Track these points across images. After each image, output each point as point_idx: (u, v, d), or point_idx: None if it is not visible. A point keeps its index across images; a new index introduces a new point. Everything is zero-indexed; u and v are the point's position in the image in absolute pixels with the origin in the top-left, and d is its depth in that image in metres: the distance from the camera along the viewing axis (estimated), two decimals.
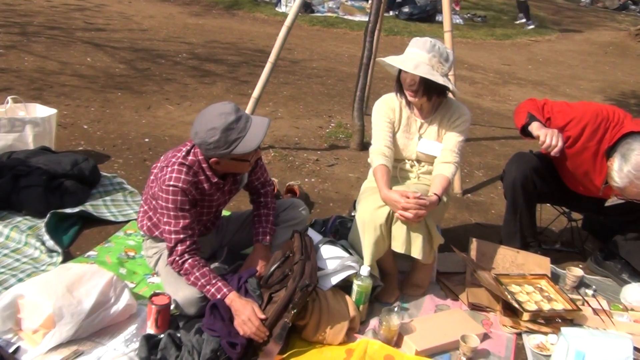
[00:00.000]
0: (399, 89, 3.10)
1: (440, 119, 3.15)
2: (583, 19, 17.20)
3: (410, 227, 2.87)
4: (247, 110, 4.62)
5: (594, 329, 2.97)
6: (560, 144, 3.07)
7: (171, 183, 2.58)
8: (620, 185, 3.07)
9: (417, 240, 2.88)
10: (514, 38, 13.39)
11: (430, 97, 3.02)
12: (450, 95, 3.17)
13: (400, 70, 3.02)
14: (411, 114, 3.16)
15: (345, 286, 2.89)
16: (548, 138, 3.07)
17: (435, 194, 2.93)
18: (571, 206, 3.76)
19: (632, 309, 3.24)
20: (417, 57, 2.93)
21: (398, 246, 2.90)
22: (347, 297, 2.86)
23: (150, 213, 2.82)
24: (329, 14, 12.94)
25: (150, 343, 2.46)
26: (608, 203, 3.41)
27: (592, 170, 3.28)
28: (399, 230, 2.89)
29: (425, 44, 2.95)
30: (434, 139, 3.15)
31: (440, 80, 2.91)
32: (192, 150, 2.67)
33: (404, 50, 3.01)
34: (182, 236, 2.61)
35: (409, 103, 3.12)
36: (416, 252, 2.90)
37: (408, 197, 2.78)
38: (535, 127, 3.17)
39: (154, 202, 2.71)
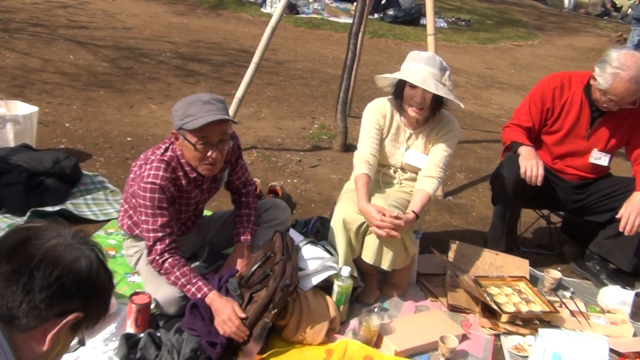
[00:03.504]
0: (397, 100, 3.08)
1: (429, 131, 3.15)
2: (566, 24, 17.39)
3: (383, 240, 2.88)
4: (230, 110, 4.61)
5: (571, 331, 3.01)
6: (540, 172, 3.18)
7: (149, 180, 2.57)
8: (606, 86, 3.20)
9: (389, 253, 2.90)
10: (497, 42, 13.48)
11: (434, 112, 3.04)
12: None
13: (404, 85, 2.98)
14: (401, 123, 3.16)
15: (326, 286, 2.91)
16: (528, 170, 3.21)
17: (413, 211, 2.94)
18: (554, 206, 3.79)
19: (608, 311, 3.28)
20: (432, 75, 2.91)
21: (368, 256, 2.92)
22: (327, 297, 2.88)
23: (131, 212, 2.81)
24: (314, 16, 12.95)
25: (129, 342, 2.45)
26: (591, 159, 3.50)
27: (577, 134, 3.49)
28: (371, 242, 2.90)
29: (435, 60, 2.95)
30: (421, 151, 3.15)
31: (457, 100, 2.95)
32: (171, 147, 2.67)
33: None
34: (160, 234, 2.61)
35: (401, 113, 3.12)
36: (386, 265, 2.92)
37: (384, 215, 2.78)
38: (520, 155, 3.31)
39: (133, 201, 2.70)
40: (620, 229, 3.23)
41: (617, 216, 3.26)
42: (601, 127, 3.46)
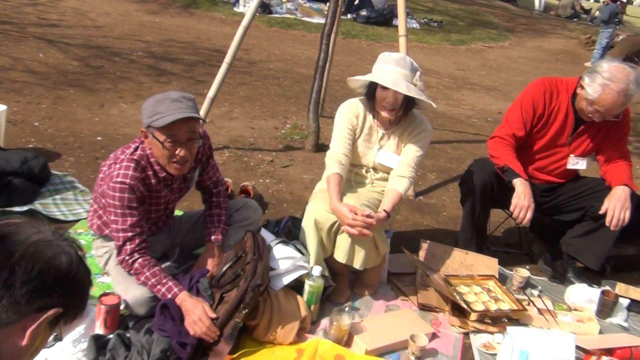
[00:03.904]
0: (369, 102, 3.10)
1: (401, 132, 3.17)
2: (536, 26, 17.60)
3: (355, 239, 2.89)
4: (202, 110, 4.60)
5: (538, 329, 3.05)
6: (528, 216, 3.22)
7: (119, 180, 2.55)
8: (594, 96, 3.21)
9: (360, 252, 2.92)
10: (468, 44, 13.61)
11: (406, 113, 3.07)
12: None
13: (375, 87, 3.00)
14: (374, 123, 3.17)
15: (297, 286, 2.91)
16: (517, 211, 3.23)
17: (384, 210, 2.96)
18: None
19: (575, 309, 3.33)
20: (403, 76, 2.93)
21: (340, 255, 2.93)
22: (298, 297, 2.88)
23: (100, 212, 2.79)
24: (287, 15, 12.94)
25: (98, 343, 2.43)
26: (569, 166, 3.54)
27: (559, 141, 3.50)
28: (343, 241, 2.91)
29: (405, 61, 2.97)
30: (393, 151, 3.17)
31: (429, 100, 2.97)
32: (141, 146, 2.66)
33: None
34: (130, 234, 2.59)
35: (374, 113, 3.14)
36: (358, 264, 2.94)
37: (356, 214, 2.80)
38: (515, 189, 3.29)
39: (103, 201, 2.67)
40: (607, 224, 3.28)
41: (601, 212, 3.30)
42: (582, 135, 3.49)
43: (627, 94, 3.17)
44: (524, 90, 3.53)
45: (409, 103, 3.02)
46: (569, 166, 3.54)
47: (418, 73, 2.99)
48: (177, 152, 2.56)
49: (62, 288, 1.31)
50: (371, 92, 3.06)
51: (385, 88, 2.93)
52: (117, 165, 2.59)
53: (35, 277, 1.25)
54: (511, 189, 3.32)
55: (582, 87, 3.29)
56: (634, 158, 3.77)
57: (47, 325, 1.32)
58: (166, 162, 2.60)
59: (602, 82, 3.18)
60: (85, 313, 2.60)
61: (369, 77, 3.01)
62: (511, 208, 3.25)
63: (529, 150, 3.55)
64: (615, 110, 3.26)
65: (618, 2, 14.05)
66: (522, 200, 3.22)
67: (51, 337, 1.40)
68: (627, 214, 3.27)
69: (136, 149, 2.65)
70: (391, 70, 2.95)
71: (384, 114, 3.02)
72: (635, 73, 3.20)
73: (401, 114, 3.07)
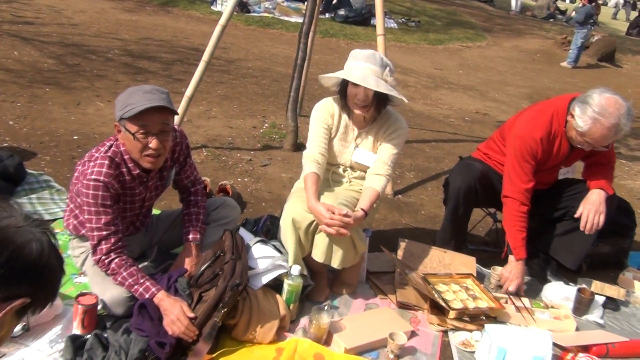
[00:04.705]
0: (342, 100, 3.10)
1: (377, 130, 3.17)
2: (513, 26, 17.76)
3: (333, 239, 2.89)
4: (180, 109, 4.57)
5: (516, 326, 3.08)
6: (512, 289, 3.36)
7: (93, 177, 2.52)
8: (584, 129, 3.15)
9: (339, 252, 2.92)
10: (446, 43, 13.71)
11: (380, 110, 3.06)
12: (389, 106, 3.17)
13: (347, 84, 3.00)
14: (349, 122, 3.17)
15: (275, 285, 2.91)
16: (507, 285, 3.37)
17: (362, 209, 2.96)
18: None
19: (552, 307, 3.36)
20: (372, 72, 2.92)
21: (318, 255, 2.93)
22: (277, 296, 2.88)
23: (77, 211, 2.75)
24: (265, 14, 12.93)
25: (76, 344, 2.41)
26: (560, 177, 3.55)
27: (556, 162, 3.48)
28: (321, 240, 2.91)
29: (375, 57, 2.95)
30: (369, 149, 3.17)
31: (399, 95, 2.96)
32: (115, 143, 2.63)
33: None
34: (104, 233, 2.56)
35: (349, 112, 3.14)
36: (336, 263, 2.94)
37: (333, 213, 2.80)
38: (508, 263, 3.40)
39: (78, 200, 2.64)
40: (581, 228, 3.32)
41: (576, 215, 3.34)
42: (574, 152, 3.45)
43: (617, 128, 3.11)
44: (519, 142, 3.34)
45: (381, 100, 3.01)
46: (560, 177, 3.56)
47: (387, 68, 2.97)
48: (149, 144, 2.52)
49: (31, 277, 1.25)
50: (343, 90, 3.06)
51: (356, 85, 2.93)
52: (92, 163, 2.56)
53: (3, 265, 1.20)
54: (494, 193, 3.37)
55: (572, 117, 3.22)
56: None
57: (14, 315, 1.27)
58: (139, 155, 2.57)
59: (592, 115, 3.10)
60: (59, 315, 2.60)
61: (338, 74, 3.01)
62: (501, 281, 3.41)
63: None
64: (604, 142, 3.21)
65: (593, 4, 14.22)
66: (512, 279, 3.35)
67: (19, 327, 1.35)
68: (602, 218, 3.31)
69: (110, 146, 2.62)
70: (361, 66, 2.95)
71: (357, 111, 3.02)
72: (627, 106, 3.11)
73: (374, 111, 3.07)
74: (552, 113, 3.35)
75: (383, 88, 2.91)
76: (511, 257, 3.34)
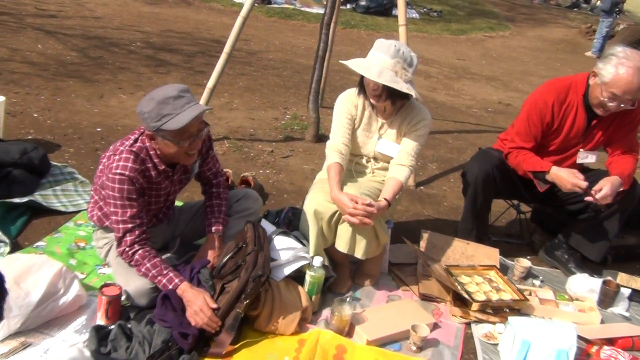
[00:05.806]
0: (362, 90, 3.07)
1: (401, 121, 3.15)
2: (536, 16, 17.56)
3: (356, 229, 2.88)
4: (202, 101, 4.59)
5: (540, 319, 3.05)
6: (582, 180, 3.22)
7: (118, 171, 2.54)
8: (609, 77, 3.13)
9: (362, 242, 2.91)
10: (469, 33, 13.58)
11: (394, 101, 3.02)
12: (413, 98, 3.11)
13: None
14: (373, 113, 3.16)
15: (298, 277, 2.91)
16: (580, 188, 3.22)
17: (385, 199, 2.95)
18: (524, 198, 3.81)
19: (576, 299, 3.33)
20: (381, 62, 2.88)
21: (342, 245, 2.93)
22: (299, 287, 2.88)
23: (101, 203, 2.78)
24: (286, 6, 12.91)
25: (100, 334, 2.43)
26: (578, 160, 3.49)
27: (572, 139, 3.44)
28: (344, 230, 2.90)
29: (390, 48, 2.90)
30: (393, 140, 3.16)
31: (404, 88, 2.88)
32: (140, 138, 2.64)
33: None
34: (130, 226, 2.58)
35: (371, 103, 3.12)
36: (359, 253, 2.93)
37: (357, 203, 2.79)
38: (557, 178, 3.31)
39: (103, 192, 2.66)
40: (592, 192, 3.23)
41: (596, 187, 3.24)
42: (594, 129, 3.42)
43: None
44: (531, 101, 3.42)
45: (393, 92, 2.94)
46: (579, 160, 3.48)
47: (404, 61, 2.91)
48: (191, 145, 2.60)
49: None
50: (361, 81, 3.05)
51: None
52: (117, 157, 2.58)
53: None
54: (512, 184, 3.31)
55: (595, 75, 3.22)
56: None
57: None
58: (180, 156, 2.64)
59: (616, 62, 3.12)
60: (84, 306, 2.63)
61: (348, 62, 2.99)
62: (568, 187, 3.25)
63: (542, 150, 3.48)
64: (631, 93, 3.13)
65: None
66: (572, 179, 3.23)
67: None
68: (610, 198, 3.22)
69: (135, 140, 2.64)
70: (375, 56, 2.92)
71: (372, 100, 3.01)
72: None
73: (389, 104, 3.02)
74: (570, 83, 3.39)
75: (385, 80, 2.85)
76: (553, 170, 3.30)
